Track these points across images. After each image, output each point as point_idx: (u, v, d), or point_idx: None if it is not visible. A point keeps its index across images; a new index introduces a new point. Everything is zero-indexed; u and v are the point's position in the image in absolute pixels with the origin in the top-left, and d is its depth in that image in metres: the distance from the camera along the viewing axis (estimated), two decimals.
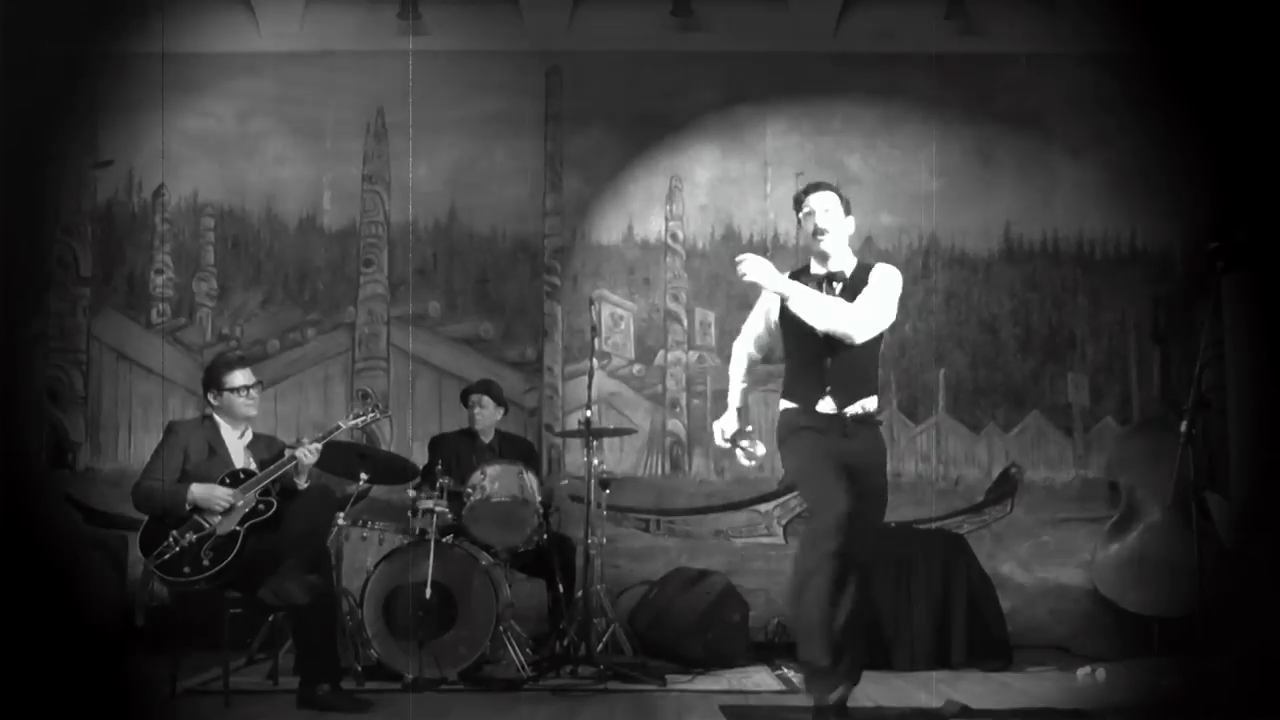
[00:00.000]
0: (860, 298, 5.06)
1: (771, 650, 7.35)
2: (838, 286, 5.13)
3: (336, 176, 8.41)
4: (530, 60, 8.41)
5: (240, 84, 8.42)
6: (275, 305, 8.37)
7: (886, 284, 5.11)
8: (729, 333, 8.19)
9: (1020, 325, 8.34)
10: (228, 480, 5.69)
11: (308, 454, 5.73)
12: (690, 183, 8.41)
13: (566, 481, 7.27)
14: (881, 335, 5.12)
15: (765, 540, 8.07)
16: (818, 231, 5.16)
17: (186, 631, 5.87)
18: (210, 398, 5.94)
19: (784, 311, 5.12)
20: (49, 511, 7.95)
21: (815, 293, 5.06)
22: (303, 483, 5.76)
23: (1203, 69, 7.73)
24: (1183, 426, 5.37)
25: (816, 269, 5.19)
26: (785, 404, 5.15)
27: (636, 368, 8.36)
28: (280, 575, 5.45)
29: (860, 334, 5.00)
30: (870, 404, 5.08)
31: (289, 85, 8.42)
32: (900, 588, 6.95)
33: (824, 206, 5.19)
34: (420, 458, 7.36)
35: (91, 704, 5.71)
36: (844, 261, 5.19)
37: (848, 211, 5.23)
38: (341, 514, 6.38)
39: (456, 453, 6.97)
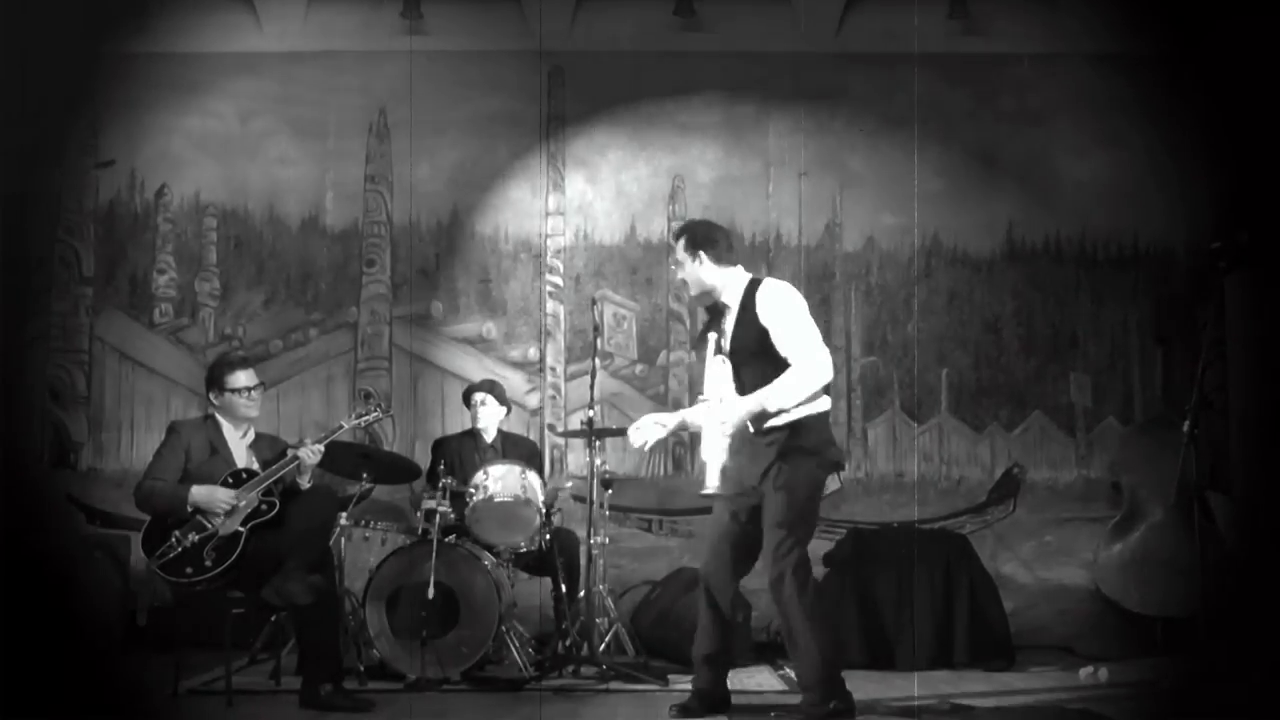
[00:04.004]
0: (789, 353, 5.13)
1: (773, 650, 7.34)
2: (730, 318, 5.28)
3: (339, 176, 8.41)
4: (532, 60, 8.40)
5: (242, 84, 8.42)
6: (277, 305, 8.37)
7: (790, 317, 5.20)
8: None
9: (1023, 325, 8.34)
10: (230, 480, 5.69)
11: (310, 454, 5.73)
12: (693, 183, 8.41)
13: (571, 483, 7.27)
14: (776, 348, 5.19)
15: None
16: (681, 284, 5.46)
17: (189, 631, 5.88)
18: (212, 398, 5.93)
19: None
20: (51, 512, 7.97)
21: (757, 397, 5.12)
22: (305, 483, 5.76)
23: (1205, 69, 7.74)
24: (1185, 426, 5.35)
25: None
26: None
27: (639, 368, 8.36)
28: (283, 575, 5.45)
29: (825, 373, 5.14)
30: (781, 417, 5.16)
31: (291, 85, 8.42)
32: (902, 588, 6.96)
33: (676, 259, 5.40)
34: (422, 458, 7.36)
35: (93, 704, 5.71)
36: (729, 291, 5.32)
37: (697, 246, 5.32)
38: (344, 514, 6.38)
39: (459, 453, 6.97)
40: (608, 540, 6.96)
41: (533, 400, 8.28)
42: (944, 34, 8.26)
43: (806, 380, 5.11)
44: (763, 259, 8.30)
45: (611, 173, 8.43)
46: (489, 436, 7.15)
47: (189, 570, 5.53)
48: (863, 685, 5.67)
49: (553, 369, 8.32)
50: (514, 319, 8.38)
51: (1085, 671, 6.55)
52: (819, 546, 7.65)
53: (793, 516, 5.17)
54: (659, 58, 8.42)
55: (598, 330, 7.24)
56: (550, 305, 8.36)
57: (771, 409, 5.12)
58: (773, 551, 5.17)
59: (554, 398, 8.29)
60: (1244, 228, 6.00)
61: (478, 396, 7.14)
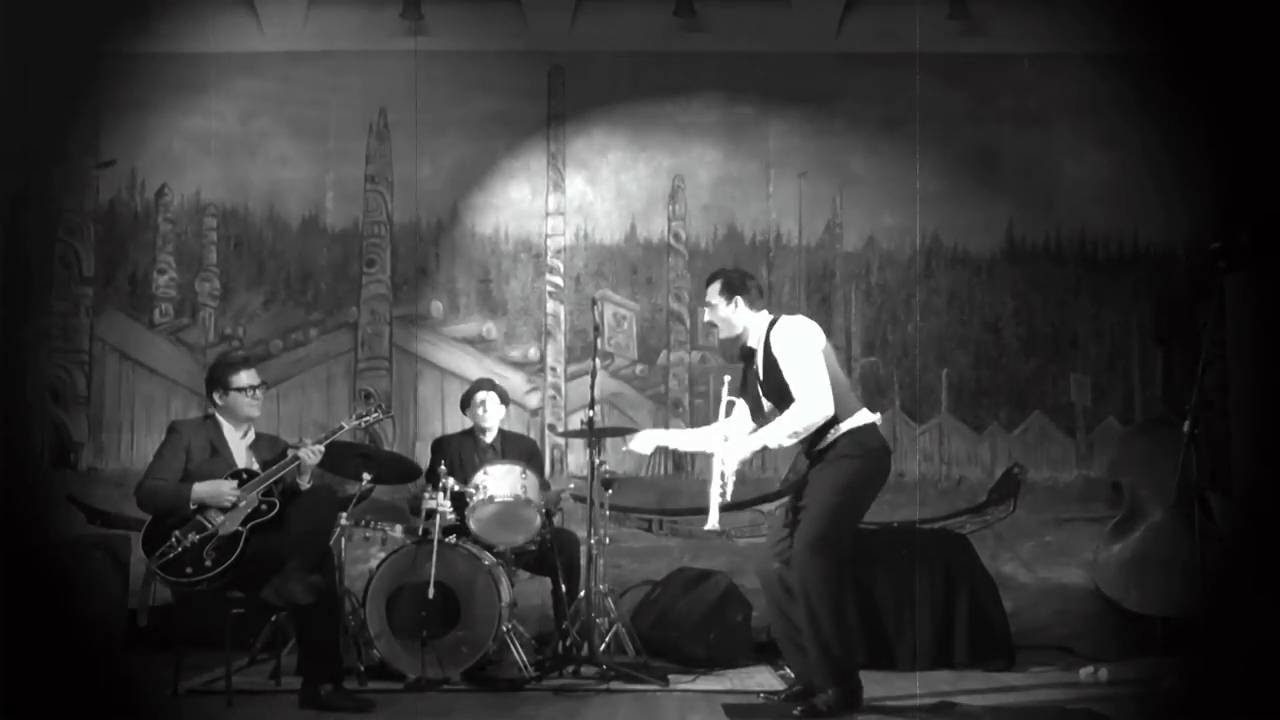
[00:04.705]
0: (791, 388, 5.31)
1: (774, 650, 7.34)
2: (759, 363, 5.48)
3: (339, 176, 8.41)
4: (533, 60, 8.41)
5: (243, 84, 8.42)
6: (278, 305, 8.37)
7: (794, 353, 5.36)
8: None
9: (1023, 325, 8.34)
10: (230, 480, 5.69)
11: (310, 454, 5.73)
12: (693, 183, 8.41)
13: (574, 484, 7.27)
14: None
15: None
16: (710, 326, 5.69)
17: (189, 632, 5.87)
18: (215, 397, 5.93)
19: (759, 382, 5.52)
20: (51, 512, 7.97)
21: (758, 437, 5.39)
22: (305, 483, 5.76)
23: (1205, 69, 7.73)
24: (1185, 426, 5.35)
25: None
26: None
27: (639, 368, 8.36)
28: (283, 575, 5.45)
29: (822, 410, 5.28)
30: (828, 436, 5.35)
31: (291, 85, 8.42)
32: (903, 588, 6.95)
33: (710, 302, 5.60)
34: (422, 458, 7.35)
35: (94, 704, 5.72)
36: (753, 333, 5.54)
37: (734, 292, 5.54)
38: (344, 514, 6.37)
39: (459, 453, 6.97)
40: (608, 540, 6.96)
41: (533, 400, 8.28)
42: (944, 34, 8.25)
43: (801, 418, 5.29)
44: (763, 259, 8.31)
45: (611, 173, 8.44)
46: (489, 437, 7.15)
47: (189, 570, 5.53)
48: (863, 685, 5.67)
49: (553, 369, 8.32)
50: (514, 319, 8.38)
51: (1085, 671, 6.55)
52: None
53: (829, 507, 5.31)
54: (659, 58, 8.42)
55: (598, 330, 7.25)
56: (550, 305, 8.36)
57: (772, 446, 5.38)
58: (806, 533, 5.31)
59: (554, 398, 8.29)
60: (1244, 228, 6.01)
61: (480, 396, 7.13)
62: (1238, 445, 7.46)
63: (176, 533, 5.56)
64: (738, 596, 7.09)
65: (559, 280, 8.37)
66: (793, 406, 5.29)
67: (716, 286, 5.59)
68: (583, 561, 6.60)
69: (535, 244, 8.40)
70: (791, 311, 5.83)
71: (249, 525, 5.61)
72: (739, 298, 5.54)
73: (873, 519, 7.76)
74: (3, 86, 7.24)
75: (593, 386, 6.67)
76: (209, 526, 5.59)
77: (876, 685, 5.98)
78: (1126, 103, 8.28)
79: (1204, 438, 5.33)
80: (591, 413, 6.56)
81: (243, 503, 5.63)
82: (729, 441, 5.43)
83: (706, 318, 5.68)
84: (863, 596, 6.93)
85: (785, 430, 5.30)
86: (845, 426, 5.34)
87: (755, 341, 5.53)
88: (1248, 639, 5.60)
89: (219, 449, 5.84)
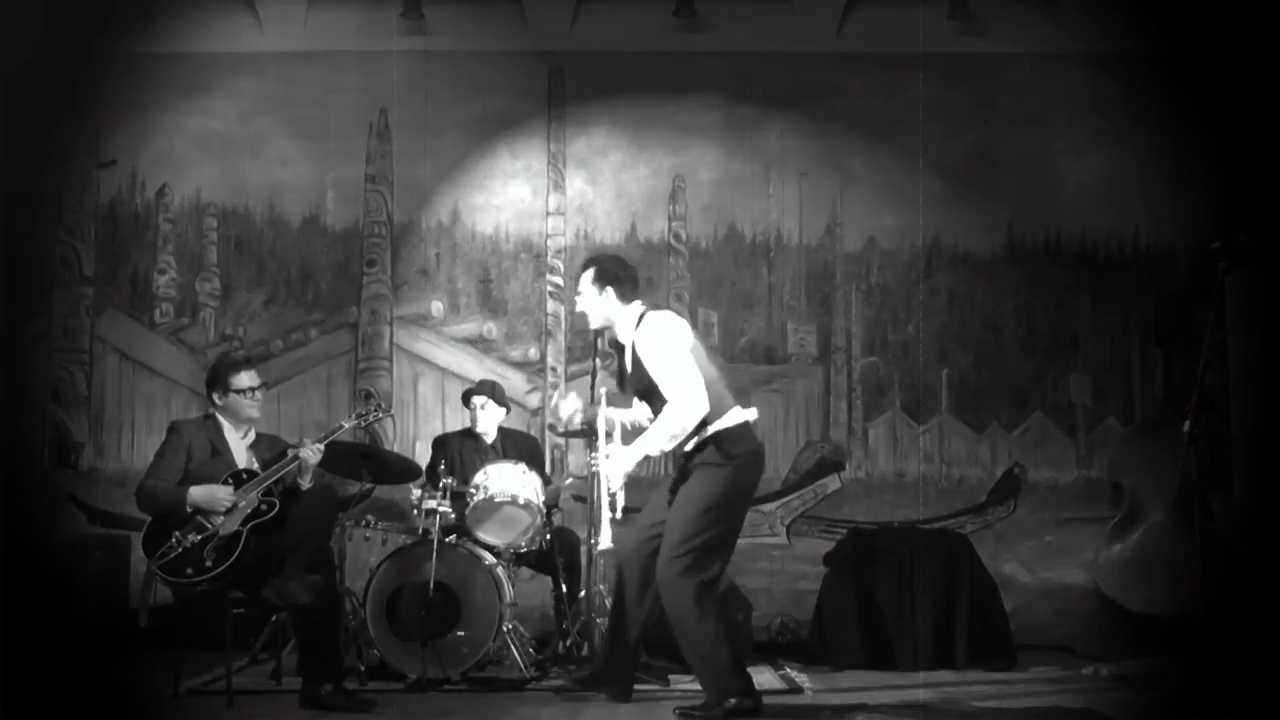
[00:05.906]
0: (662, 390, 5.21)
1: (774, 650, 7.36)
2: (628, 358, 5.40)
3: (339, 176, 8.41)
4: (533, 60, 8.42)
5: (243, 84, 8.43)
6: (278, 305, 8.38)
7: (660, 353, 5.26)
8: (731, 333, 8.24)
9: (1023, 325, 8.33)
10: (230, 481, 5.69)
11: (311, 454, 5.73)
12: (693, 183, 8.41)
13: (571, 480, 7.26)
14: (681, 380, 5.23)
15: (768, 540, 8.07)
16: (581, 314, 5.56)
17: (189, 632, 5.87)
18: (215, 398, 5.92)
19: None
20: (52, 512, 7.97)
21: (637, 447, 5.25)
22: (306, 483, 5.76)
23: (1205, 69, 7.74)
24: (1185, 427, 5.34)
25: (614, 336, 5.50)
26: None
27: None
28: (283, 575, 5.45)
29: (698, 409, 5.16)
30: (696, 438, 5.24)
31: (292, 85, 8.42)
32: (903, 588, 6.95)
33: (580, 290, 5.49)
34: (422, 458, 7.35)
35: (94, 704, 5.71)
36: (623, 326, 5.44)
37: (605, 281, 5.42)
38: (344, 514, 6.38)
39: (460, 452, 6.97)
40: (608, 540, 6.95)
41: (533, 400, 8.28)
42: (944, 34, 8.25)
43: (677, 420, 5.18)
44: (763, 259, 8.31)
45: (612, 173, 8.44)
46: (489, 438, 7.14)
47: (189, 571, 5.53)
48: (863, 685, 5.68)
49: (553, 369, 8.32)
50: (514, 319, 8.38)
51: (1085, 671, 6.56)
52: (819, 546, 7.70)
53: (691, 521, 5.21)
54: (659, 58, 8.42)
55: (598, 330, 7.24)
56: (551, 305, 8.36)
57: (654, 453, 5.27)
58: (668, 550, 5.22)
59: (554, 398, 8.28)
60: (1244, 228, 6.00)
61: (477, 400, 7.12)
62: (1238, 445, 7.45)
63: (177, 533, 5.56)
64: (738, 596, 7.09)
65: (559, 280, 8.37)
66: (666, 409, 5.20)
67: (590, 274, 5.48)
68: (583, 561, 6.59)
69: (535, 244, 8.40)
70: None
71: (249, 525, 5.61)
72: (610, 288, 5.43)
73: (873, 519, 7.82)
74: (3, 86, 7.24)
75: (593, 386, 6.64)
76: (209, 527, 5.59)
77: (877, 685, 5.99)
78: (1126, 103, 8.28)
79: (1204, 438, 5.31)
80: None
81: (242, 503, 5.64)
82: (610, 458, 5.35)
83: (578, 306, 5.58)
84: (863, 596, 6.94)
85: (664, 434, 5.19)
86: (714, 428, 5.23)
87: (625, 335, 5.45)
88: (1248, 639, 5.60)
89: (219, 449, 5.84)
